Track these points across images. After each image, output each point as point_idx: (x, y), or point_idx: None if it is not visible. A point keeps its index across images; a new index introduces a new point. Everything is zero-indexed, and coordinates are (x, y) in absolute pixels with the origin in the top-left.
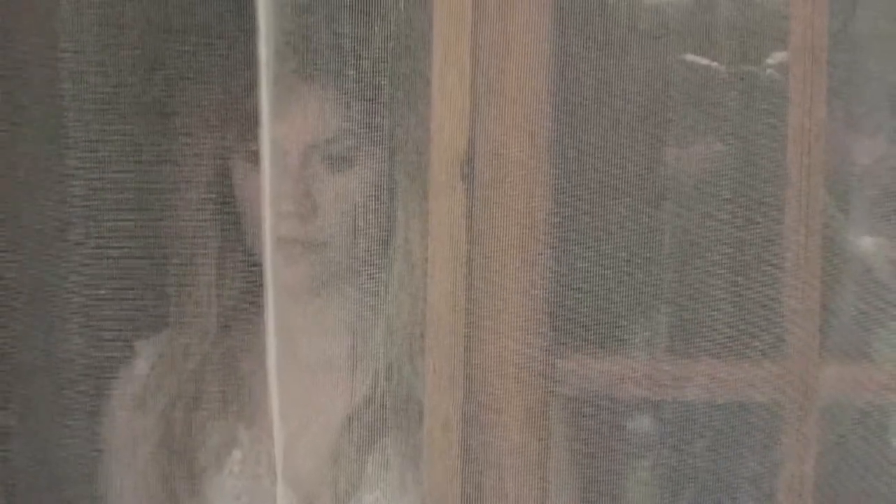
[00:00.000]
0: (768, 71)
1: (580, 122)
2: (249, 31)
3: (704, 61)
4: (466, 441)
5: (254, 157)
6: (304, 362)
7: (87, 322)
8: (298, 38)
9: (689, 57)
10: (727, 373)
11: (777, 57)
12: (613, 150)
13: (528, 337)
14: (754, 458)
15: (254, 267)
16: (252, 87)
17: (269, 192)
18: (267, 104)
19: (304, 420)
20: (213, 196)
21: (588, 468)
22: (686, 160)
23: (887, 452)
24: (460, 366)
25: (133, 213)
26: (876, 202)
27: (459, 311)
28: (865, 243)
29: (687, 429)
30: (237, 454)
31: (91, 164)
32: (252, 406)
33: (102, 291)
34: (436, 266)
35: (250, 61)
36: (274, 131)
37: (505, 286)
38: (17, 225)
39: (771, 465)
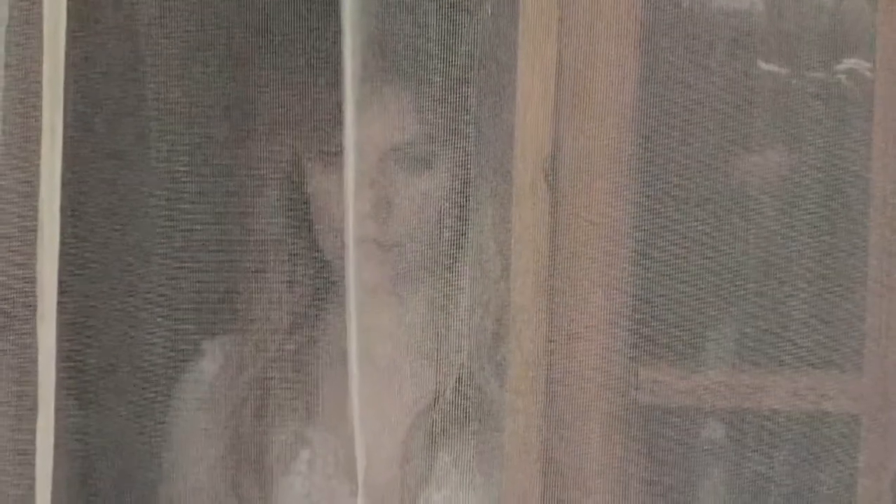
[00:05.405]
0: (843, 77)
1: (664, 132)
2: (334, 33)
3: (785, 69)
4: (547, 446)
5: (329, 159)
6: (378, 363)
7: (163, 322)
8: (383, 41)
9: (768, 66)
10: (806, 384)
11: (849, 63)
12: (697, 161)
13: (611, 344)
14: (832, 471)
15: (324, 267)
16: (331, 88)
17: (352, 194)
18: (351, 106)
19: (378, 420)
20: (287, 197)
21: (667, 476)
22: (769, 171)
23: None
24: (542, 372)
25: (207, 214)
26: None
27: (542, 317)
28: None
29: (765, 440)
30: (305, 454)
31: (172, 167)
32: (321, 406)
33: (176, 292)
34: (519, 272)
35: (332, 63)
36: (355, 133)
37: (587, 293)
38: (95, 224)
39: (849, 478)
